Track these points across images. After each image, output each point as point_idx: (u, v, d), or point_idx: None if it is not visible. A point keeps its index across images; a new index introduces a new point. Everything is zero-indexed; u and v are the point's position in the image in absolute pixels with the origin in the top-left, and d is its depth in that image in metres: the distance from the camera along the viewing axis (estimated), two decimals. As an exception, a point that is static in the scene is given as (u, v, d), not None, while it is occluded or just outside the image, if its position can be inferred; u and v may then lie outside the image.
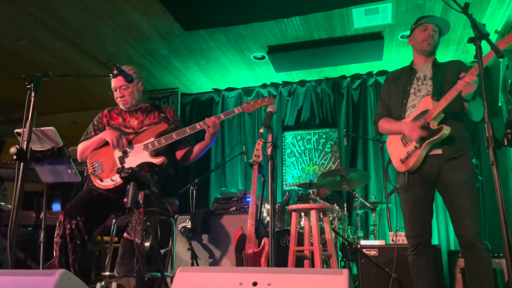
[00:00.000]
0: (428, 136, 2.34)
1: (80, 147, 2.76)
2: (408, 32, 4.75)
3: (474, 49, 1.82)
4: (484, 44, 1.82)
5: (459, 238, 2.32)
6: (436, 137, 2.31)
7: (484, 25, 1.86)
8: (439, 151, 2.38)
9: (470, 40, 1.81)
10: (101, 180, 2.54)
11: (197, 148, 2.82)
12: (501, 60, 4.50)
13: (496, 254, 3.12)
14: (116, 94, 2.77)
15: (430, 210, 2.47)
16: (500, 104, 4.73)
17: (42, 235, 3.04)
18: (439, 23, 2.53)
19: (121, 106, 2.80)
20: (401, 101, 2.57)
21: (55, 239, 2.34)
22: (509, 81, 4.38)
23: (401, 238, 3.31)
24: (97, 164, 2.64)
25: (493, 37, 4.57)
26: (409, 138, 2.47)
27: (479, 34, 1.79)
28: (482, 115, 2.33)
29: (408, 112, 2.52)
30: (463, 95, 2.23)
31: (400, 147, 2.53)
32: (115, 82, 2.75)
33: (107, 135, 2.64)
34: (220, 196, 4.40)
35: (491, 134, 1.68)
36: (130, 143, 2.66)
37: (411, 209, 2.46)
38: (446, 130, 2.29)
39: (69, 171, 2.34)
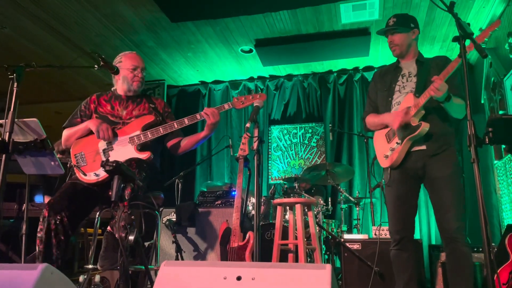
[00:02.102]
0: (408, 132, 2.37)
1: (65, 133, 2.68)
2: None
3: (459, 47, 1.84)
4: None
5: (441, 231, 2.34)
6: (415, 133, 2.34)
7: (468, 24, 1.88)
8: (423, 147, 2.41)
9: (455, 39, 1.84)
10: (85, 174, 2.49)
11: (191, 139, 2.76)
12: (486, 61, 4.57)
13: (475, 249, 3.19)
14: (136, 73, 2.72)
15: (413, 206, 2.50)
16: (482, 102, 4.81)
17: (24, 227, 2.99)
18: (396, 30, 2.55)
19: (134, 86, 2.73)
20: (386, 99, 2.60)
21: (38, 234, 2.28)
22: (492, 79, 4.46)
23: (384, 233, 3.37)
24: (80, 156, 2.58)
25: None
26: (392, 134, 2.50)
27: (463, 33, 1.82)
28: (463, 113, 2.36)
29: (394, 109, 2.55)
30: (435, 99, 2.27)
31: (384, 143, 2.57)
32: (138, 61, 2.74)
33: (93, 125, 2.56)
34: (205, 189, 4.39)
35: (473, 132, 1.71)
36: (115, 135, 2.60)
37: (394, 204, 2.49)
38: (425, 127, 2.32)
39: (52, 163, 2.31)
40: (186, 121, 2.62)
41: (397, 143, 2.44)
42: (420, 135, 2.35)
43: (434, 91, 2.21)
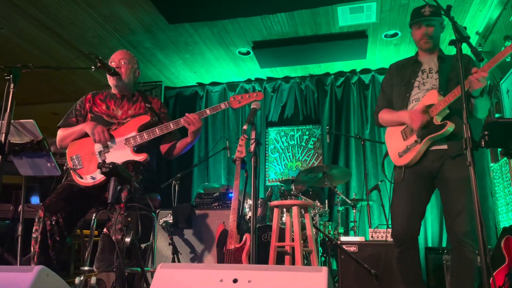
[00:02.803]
0: (430, 131, 2.27)
1: (60, 134, 2.66)
2: (391, 32, 4.84)
3: (455, 51, 1.86)
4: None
5: (449, 234, 2.25)
6: (438, 133, 2.23)
7: (465, 28, 1.89)
8: (444, 146, 2.30)
9: (451, 43, 1.85)
10: (81, 177, 2.47)
11: (180, 144, 2.75)
12: (481, 62, 4.58)
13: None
14: (113, 64, 2.69)
15: (422, 209, 2.38)
16: (479, 105, 4.82)
17: (20, 228, 2.98)
18: (432, 22, 2.42)
19: (113, 80, 2.70)
20: (404, 94, 2.47)
21: (34, 235, 2.26)
22: (488, 82, 4.47)
23: (380, 235, 3.37)
24: (76, 159, 2.56)
25: (474, 38, 4.65)
26: (409, 132, 2.39)
27: (460, 37, 1.83)
28: (486, 112, 2.27)
29: (411, 106, 2.43)
30: (470, 91, 2.13)
31: (399, 140, 2.44)
32: (117, 54, 2.71)
33: (88, 128, 2.55)
34: (202, 191, 4.39)
35: (469, 135, 1.72)
36: (111, 136, 2.58)
37: (402, 205, 2.38)
38: (450, 127, 2.20)
39: (49, 164, 2.30)
40: (182, 121, 2.61)
41: (415, 141, 2.32)
42: (443, 135, 2.24)
43: (475, 82, 2.09)
